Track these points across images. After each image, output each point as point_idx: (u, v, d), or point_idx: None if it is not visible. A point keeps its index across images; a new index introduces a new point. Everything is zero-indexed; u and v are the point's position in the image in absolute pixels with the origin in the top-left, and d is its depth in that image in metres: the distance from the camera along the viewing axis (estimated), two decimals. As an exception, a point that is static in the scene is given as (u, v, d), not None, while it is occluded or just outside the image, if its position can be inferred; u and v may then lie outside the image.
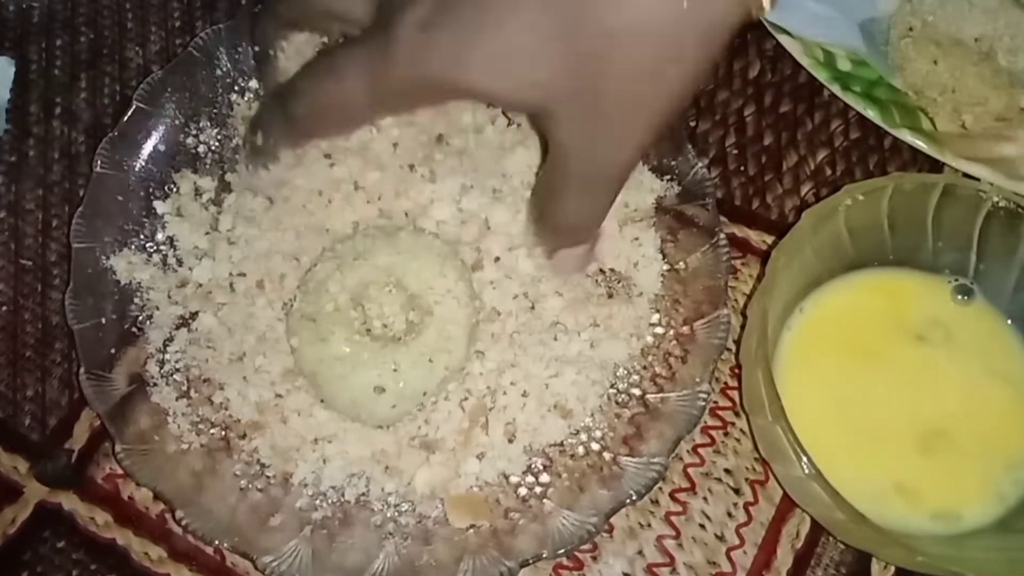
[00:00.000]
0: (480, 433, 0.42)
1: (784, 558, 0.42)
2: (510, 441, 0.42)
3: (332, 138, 0.47)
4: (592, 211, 0.40)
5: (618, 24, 0.32)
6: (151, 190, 0.48)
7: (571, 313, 0.45)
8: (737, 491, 0.44)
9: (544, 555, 0.39)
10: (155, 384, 0.43)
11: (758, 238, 0.50)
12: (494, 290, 0.45)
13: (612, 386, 0.44)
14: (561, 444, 0.43)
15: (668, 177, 0.48)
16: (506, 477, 0.42)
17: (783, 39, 0.52)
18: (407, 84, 0.36)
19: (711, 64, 0.35)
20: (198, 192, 0.48)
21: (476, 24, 0.34)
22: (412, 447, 0.42)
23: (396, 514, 0.41)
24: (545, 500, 0.41)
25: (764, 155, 0.53)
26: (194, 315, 0.45)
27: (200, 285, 0.46)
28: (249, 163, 0.48)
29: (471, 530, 0.40)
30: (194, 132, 0.49)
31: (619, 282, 0.47)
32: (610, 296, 0.46)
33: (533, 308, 0.45)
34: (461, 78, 0.35)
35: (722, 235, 0.45)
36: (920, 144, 0.49)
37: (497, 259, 0.46)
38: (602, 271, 0.47)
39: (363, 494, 0.41)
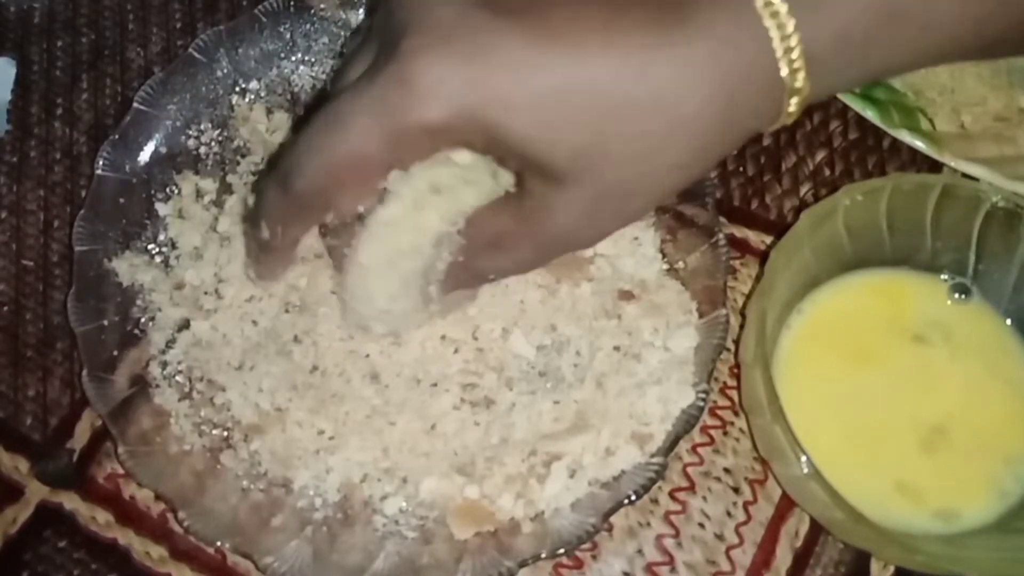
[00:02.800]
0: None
1: (783, 557, 0.42)
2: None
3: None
4: (521, 268, 0.37)
5: (675, 113, 0.30)
6: (153, 192, 0.48)
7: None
8: (736, 490, 0.44)
9: (544, 555, 0.39)
10: (157, 386, 0.43)
11: (757, 238, 0.50)
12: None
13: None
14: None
15: (668, 177, 0.48)
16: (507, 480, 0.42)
17: (782, 39, 0.52)
18: (433, 128, 0.30)
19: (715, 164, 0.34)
20: (200, 194, 0.48)
21: (528, 49, 0.29)
22: (415, 454, 0.42)
23: (397, 514, 0.41)
24: (545, 500, 0.41)
25: (763, 155, 0.53)
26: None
27: (196, 286, 0.45)
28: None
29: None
30: (195, 134, 0.49)
31: (618, 282, 0.47)
32: (609, 296, 0.46)
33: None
34: (500, 121, 0.29)
35: (721, 235, 0.45)
36: (919, 144, 0.49)
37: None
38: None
39: (365, 497, 0.41)
